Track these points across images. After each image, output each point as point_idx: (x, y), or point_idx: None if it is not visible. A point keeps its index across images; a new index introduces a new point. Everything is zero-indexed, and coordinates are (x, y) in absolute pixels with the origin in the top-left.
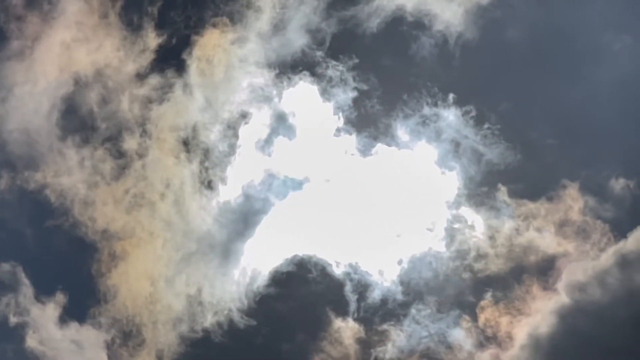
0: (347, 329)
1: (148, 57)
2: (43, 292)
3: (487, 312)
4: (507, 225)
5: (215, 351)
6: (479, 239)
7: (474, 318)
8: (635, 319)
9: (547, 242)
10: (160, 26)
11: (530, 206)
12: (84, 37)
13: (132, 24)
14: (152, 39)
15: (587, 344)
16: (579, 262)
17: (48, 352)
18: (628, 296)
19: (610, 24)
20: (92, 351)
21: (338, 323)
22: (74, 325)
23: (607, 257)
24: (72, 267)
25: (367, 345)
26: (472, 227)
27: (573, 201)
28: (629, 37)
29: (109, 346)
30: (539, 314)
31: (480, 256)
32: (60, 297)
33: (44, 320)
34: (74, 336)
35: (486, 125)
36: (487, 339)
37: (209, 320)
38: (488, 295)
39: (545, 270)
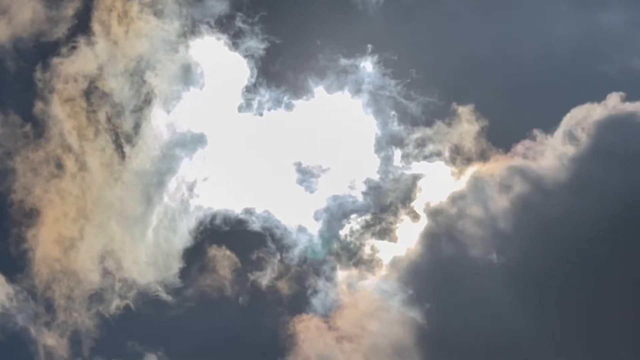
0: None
1: (66, 24)
2: None
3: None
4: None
5: (134, 331)
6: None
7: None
8: (491, 239)
9: (432, 167)
10: None
11: (425, 131)
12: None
13: None
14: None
15: (447, 266)
16: (438, 185)
17: None
18: (485, 217)
19: None
20: None
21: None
22: None
23: (465, 180)
24: None
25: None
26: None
27: (468, 124)
28: None
29: None
30: (405, 238)
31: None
32: None
33: None
34: None
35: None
36: (352, 259)
37: (121, 300)
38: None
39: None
